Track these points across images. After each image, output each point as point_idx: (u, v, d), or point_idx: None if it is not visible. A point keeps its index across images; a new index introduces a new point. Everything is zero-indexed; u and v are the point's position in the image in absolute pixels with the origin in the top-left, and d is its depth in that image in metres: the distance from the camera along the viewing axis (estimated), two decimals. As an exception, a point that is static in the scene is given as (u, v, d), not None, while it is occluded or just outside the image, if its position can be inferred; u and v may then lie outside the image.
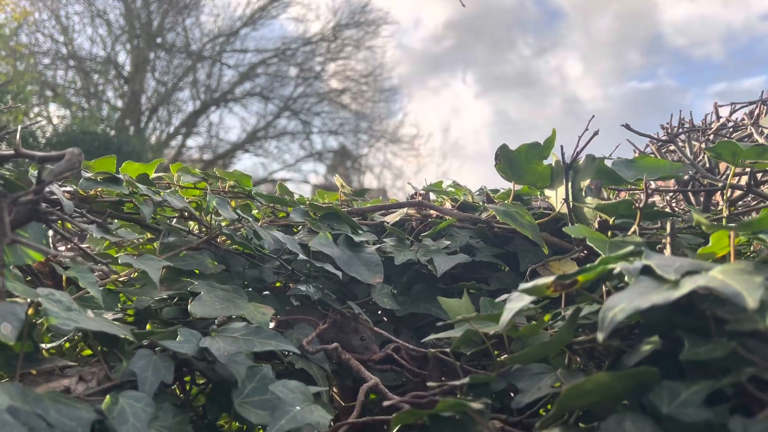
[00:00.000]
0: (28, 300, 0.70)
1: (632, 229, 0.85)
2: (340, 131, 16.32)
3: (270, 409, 0.72)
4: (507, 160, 1.05)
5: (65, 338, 0.79)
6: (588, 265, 0.64)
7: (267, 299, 0.96)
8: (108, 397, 0.64)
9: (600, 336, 0.53)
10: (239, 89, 15.58)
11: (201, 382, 0.92)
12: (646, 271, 0.59)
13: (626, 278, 0.72)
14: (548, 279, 0.63)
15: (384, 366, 0.95)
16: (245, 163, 17.29)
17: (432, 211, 1.20)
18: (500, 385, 0.72)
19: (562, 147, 0.97)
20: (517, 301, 0.65)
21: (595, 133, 0.97)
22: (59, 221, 0.72)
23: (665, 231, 0.93)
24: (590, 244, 0.80)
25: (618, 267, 0.62)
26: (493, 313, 0.74)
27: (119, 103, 14.63)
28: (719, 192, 1.26)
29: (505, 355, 0.77)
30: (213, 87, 15.49)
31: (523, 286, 0.64)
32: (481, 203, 1.23)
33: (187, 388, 0.89)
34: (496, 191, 1.34)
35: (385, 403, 0.63)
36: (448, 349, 0.77)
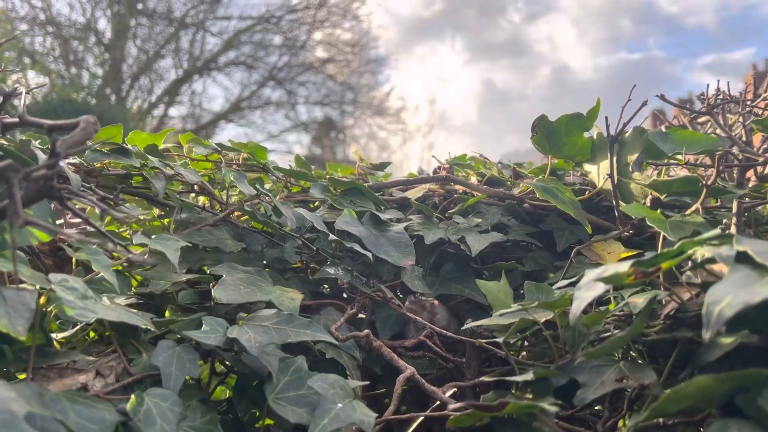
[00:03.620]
0: (38, 287, 0.62)
1: (693, 208, 0.78)
2: (325, 102, 16.09)
3: (307, 406, 0.65)
4: (545, 132, 0.98)
5: (77, 327, 0.71)
6: (667, 250, 0.58)
7: (290, 282, 0.89)
8: (133, 397, 0.57)
9: (706, 334, 0.47)
10: (223, 58, 15.27)
11: (219, 370, 0.85)
12: (743, 258, 0.53)
13: (698, 264, 0.66)
14: (625, 266, 0.56)
15: (416, 353, 0.89)
16: (228, 134, 17.00)
17: (457, 187, 1.13)
18: (562, 380, 0.66)
19: (607, 118, 0.90)
20: (589, 290, 0.59)
21: (644, 104, 0.90)
22: (72, 199, 0.64)
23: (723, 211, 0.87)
24: (650, 225, 0.74)
25: (705, 252, 0.56)
26: (550, 300, 0.67)
27: (100, 71, 14.27)
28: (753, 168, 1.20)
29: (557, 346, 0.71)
30: (196, 55, 15.16)
31: (598, 273, 0.58)
32: (508, 178, 1.16)
33: (206, 380, 0.82)
34: (519, 164, 1.27)
35: (451, 407, 0.56)
36: (500, 339, 0.70)
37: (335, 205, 0.99)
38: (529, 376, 0.62)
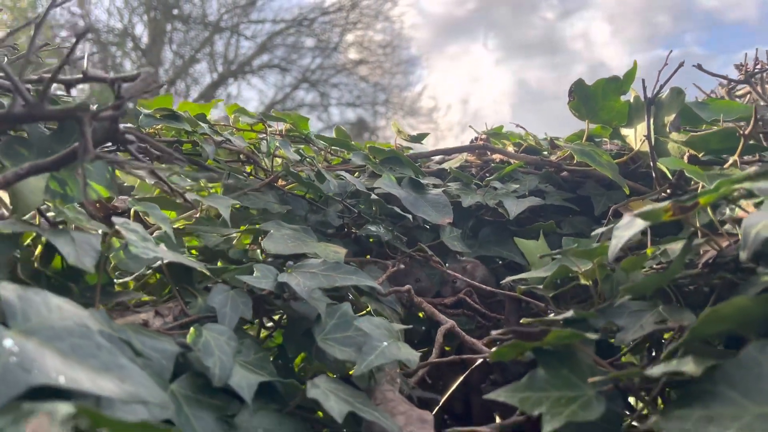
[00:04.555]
0: (100, 231, 0.66)
1: (731, 161, 0.79)
2: (357, 103, 16.13)
3: (353, 346, 0.68)
4: (582, 97, 0.99)
5: (134, 275, 0.76)
6: (704, 189, 0.59)
7: (332, 243, 0.92)
8: (192, 329, 0.61)
9: (743, 255, 0.49)
10: (257, 61, 15.44)
11: (269, 324, 0.89)
12: (780, 190, 0.54)
13: (732, 205, 0.67)
14: (665, 203, 0.58)
15: (456, 310, 0.91)
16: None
17: (496, 156, 1.15)
18: (600, 321, 0.67)
19: (643, 81, 0.91)
20: (628, 228, 0.60)
21: (681, 65, 0.91)
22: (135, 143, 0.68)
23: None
24: (689, 177, 0.75)
25: (745, 186, 0.57)
26: (589, 248, 0.69)
27: (137, 76, 14.53)
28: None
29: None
30: (230, 59, 15.37)
31: (637, 210, 0.60)
32: (545, 147, 1.18)
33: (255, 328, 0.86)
34: (556, 138, 1.28)
35: (494, 333, 0.59)
36: (540, 286, 0.72)
37: (376, 172, 1.02)
38: (569, 314, 0.64)
